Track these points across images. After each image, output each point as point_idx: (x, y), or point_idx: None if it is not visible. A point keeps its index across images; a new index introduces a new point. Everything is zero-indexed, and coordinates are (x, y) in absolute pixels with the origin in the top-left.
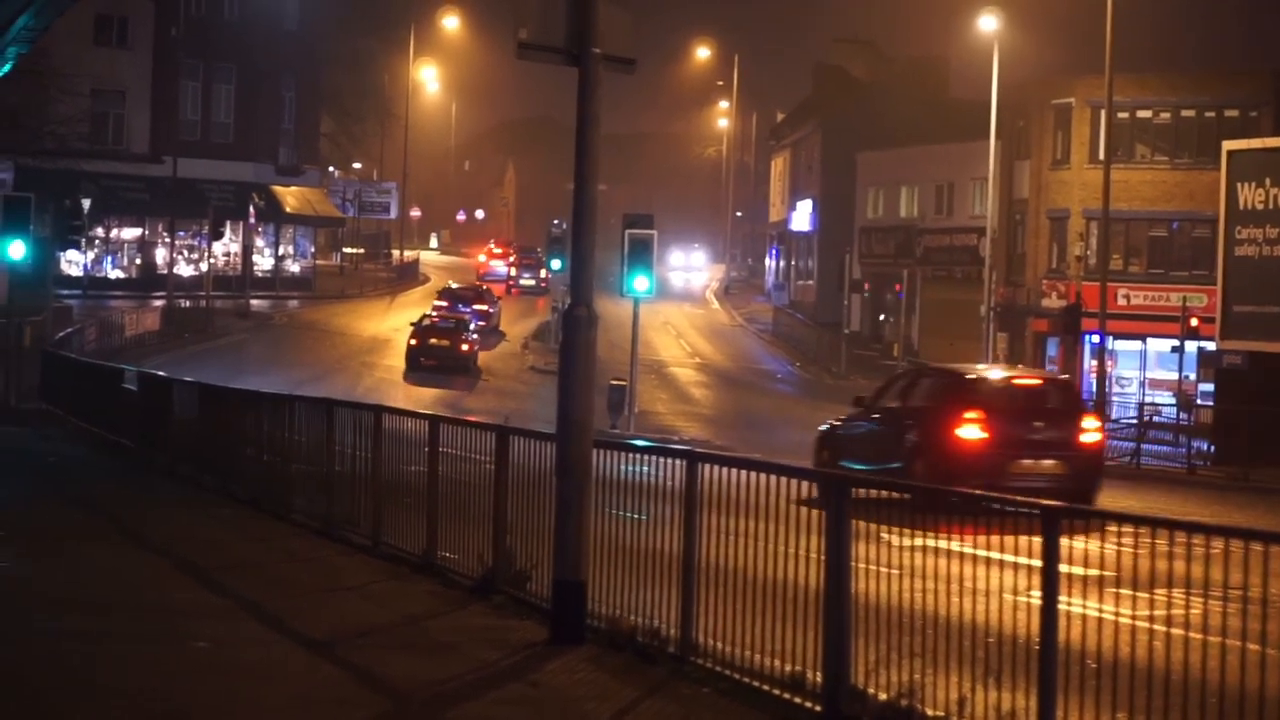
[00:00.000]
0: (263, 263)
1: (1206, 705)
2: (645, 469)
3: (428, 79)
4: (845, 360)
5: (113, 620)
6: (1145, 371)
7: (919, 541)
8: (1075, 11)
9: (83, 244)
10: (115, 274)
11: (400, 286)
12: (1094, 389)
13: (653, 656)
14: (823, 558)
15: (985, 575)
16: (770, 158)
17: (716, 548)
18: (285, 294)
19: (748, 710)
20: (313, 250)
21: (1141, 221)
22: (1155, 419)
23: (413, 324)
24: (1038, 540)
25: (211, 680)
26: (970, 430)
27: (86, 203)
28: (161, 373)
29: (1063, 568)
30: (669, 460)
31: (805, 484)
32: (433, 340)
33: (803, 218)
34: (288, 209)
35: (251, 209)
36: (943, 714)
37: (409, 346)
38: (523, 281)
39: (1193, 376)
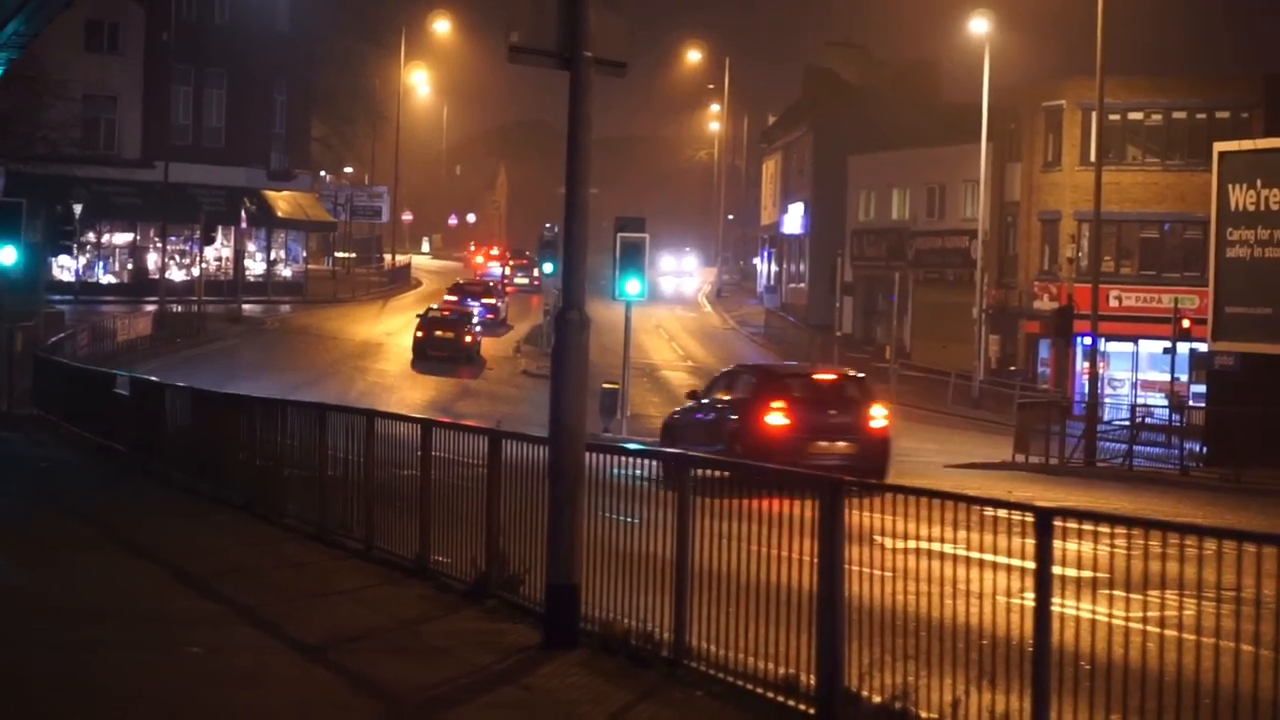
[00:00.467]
0: (254, 267)
1: (1200, 706)
2: (638, 472)
3: (419, 83)
4: (837, 362)
5: (106, 627)
6: (1137, 373)
7: (912, 544)
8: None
9: (74, 249)
10: (107, 279)
11: (392, 291)
12: (1086, 390)
13: (646, 660)
14: (816, 560)
15: (979, 577)
16: (761, 161)
17: (710, 551)
18: (277, 299)
19: (741, 714)
20: (304, 255)
21: (1133, 223)
22: (1147, 420)
23: (419, 316)
24: (1031, 542)
25: (205, 686)
26: (776, 418)
27: (78, 208)
28: (154, 378)
29: (1056, 569)
30: (662, 463)
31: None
32: (438, 332)
33: (794, 221)
34: (279, 213)
35: (243, 213)
36: (937, 716)
37: (416, 338)
38: (517, 280)
39: (1184, 378)
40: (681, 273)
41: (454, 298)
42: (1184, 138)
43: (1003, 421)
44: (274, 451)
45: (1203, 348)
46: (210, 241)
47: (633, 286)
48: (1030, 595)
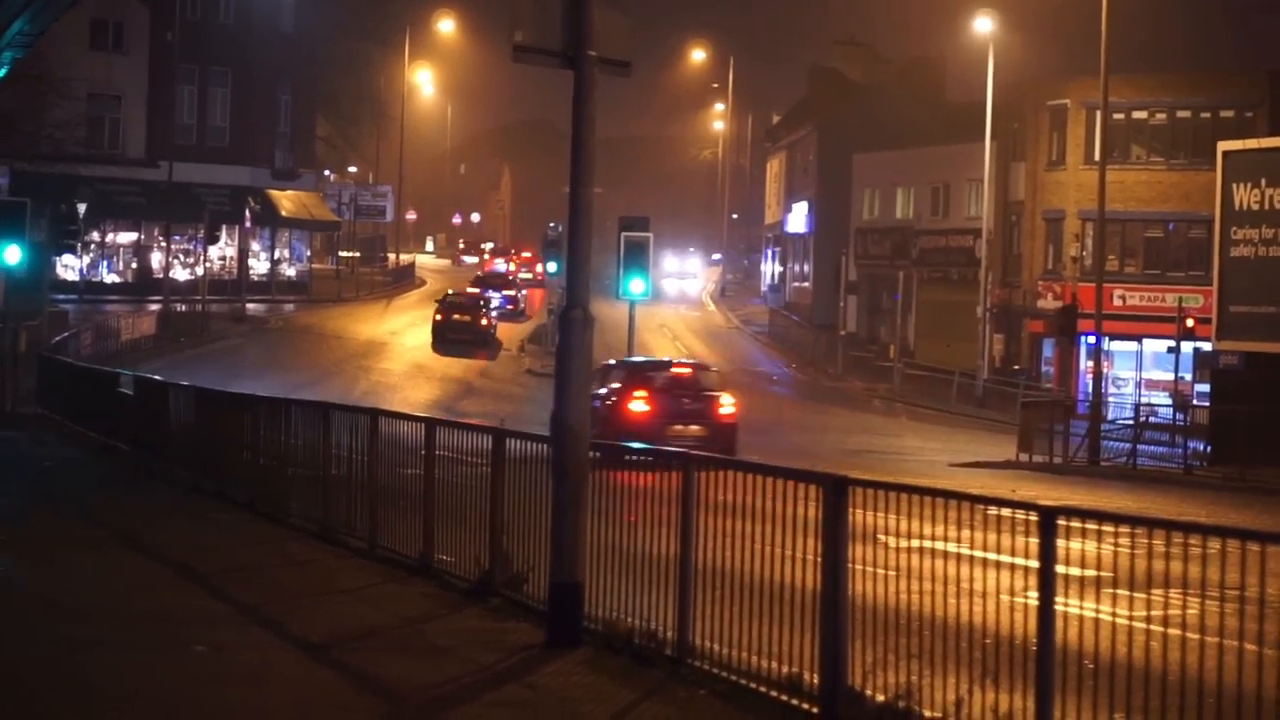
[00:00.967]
0: (258, 266)
1: (1204, 705)
2: (642, 471)
3: (423, 82)
4: (842, 362)
5: (109, 625)
6: (1141, 372)
7: (916, 543)
8: (1070, 13)
9: (79, 248)
10: (111, 278)
11: (396, 290)
12: (1090, 389)
13: (650, 659)
14: (819, 559)
15: (982, 576)
16: (766, 160)
17: (713, 550)
18: (281, 298)
19: (744, 713)
20: (308, 254)
21: (1137, 222)
22: (1151, 419)
23: (438, 301)
24: (1034, 541)
25: (209, 685)
26: (638, 405)
27: (82, 207)
28: (158, 377)
29: (1059, 568)
30: (665, 462)
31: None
32: (455, 316)
33: (798, 219)
34: (283, 213)
35: (247, 213)
36: (940, 715)
37: (435, 322)
38: (521, 275)
39: (1189, 377)
40: (685, 274)
41: (475, 290)
42: (1188, 136)
43: (1006, 420)
44: (278, 450)
45: (1207, 347)
46: (214, 241)
47: (637, 286)
48: (1034, 594)
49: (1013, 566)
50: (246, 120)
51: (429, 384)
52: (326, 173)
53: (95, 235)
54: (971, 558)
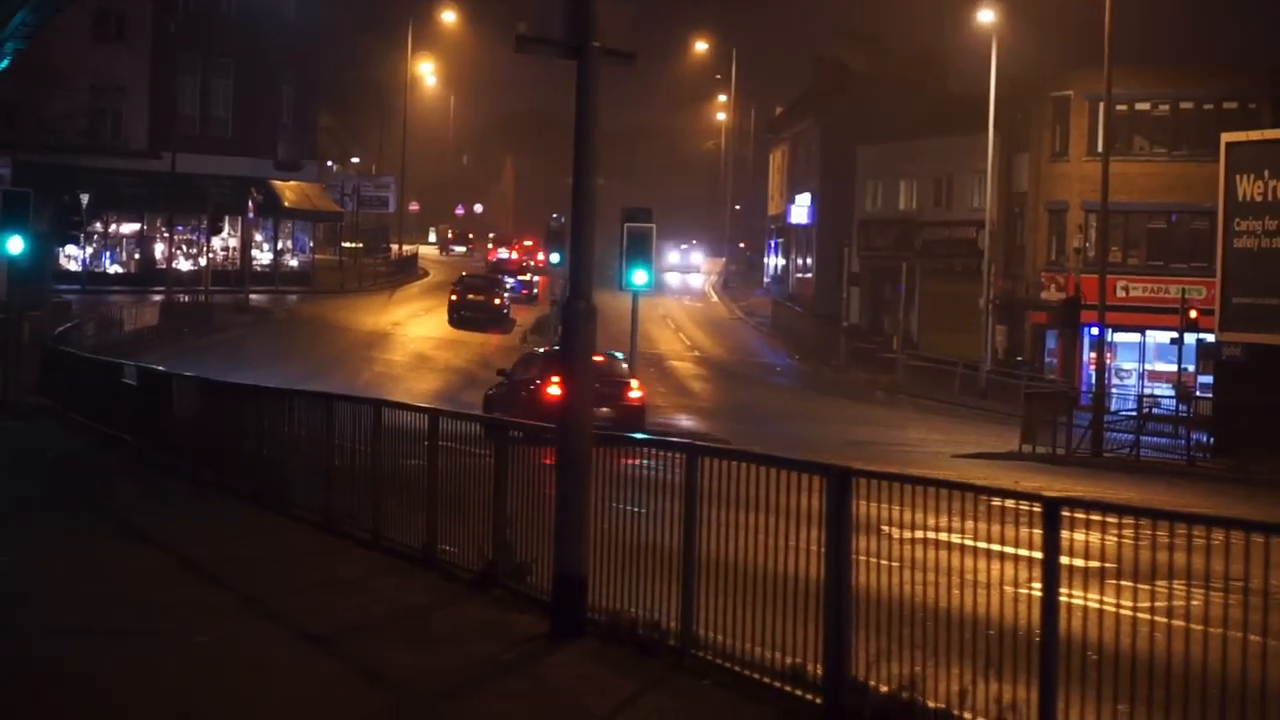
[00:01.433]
0: (261, 257)
1: (1207, 696)
2: (645, 462)
3: (426, 73)
4: (845, 353)
5: (113, 616)
6: (1144, 363)
7: (919, 534)
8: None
9: (81, 239)
10: (114, 269)
11: (399, 281)
12: (1093, 381)
13: (653, 649)
14: (823, 550)
15: (986, 567)
16: (768, 151)
17: (716, 541)
18: (284, 289)
19: (748, 703)
20: (311, 245)
21: (1140, 214)
22: (1154, 411)
23: (454, 283)
24: (1038, 532)
25: (212, 676)
26: (554, 390)
27: (85, 198)
28: (161, 367)
29: (1063, 560)
30: (669, 453)
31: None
32: (470, 296)
33: (801, 211)
34: (286, 203)
35: (250, 203)
36: (944, 706)
37: (451, 302)
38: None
39: (1192, 368)
40: (688, 268)
41: (483, 278)
42: (1191, 128)
43: (1010, 412)
44: (281, 441)
45: (1210, 338)
46: (217, 231)
47: (640, 277)
48: (1038, 585)
49: (1016, 557)
50: (249, 111)
51: (432, 375)
52: (329, 164)
53: (98, 226)
54: (975, 549)
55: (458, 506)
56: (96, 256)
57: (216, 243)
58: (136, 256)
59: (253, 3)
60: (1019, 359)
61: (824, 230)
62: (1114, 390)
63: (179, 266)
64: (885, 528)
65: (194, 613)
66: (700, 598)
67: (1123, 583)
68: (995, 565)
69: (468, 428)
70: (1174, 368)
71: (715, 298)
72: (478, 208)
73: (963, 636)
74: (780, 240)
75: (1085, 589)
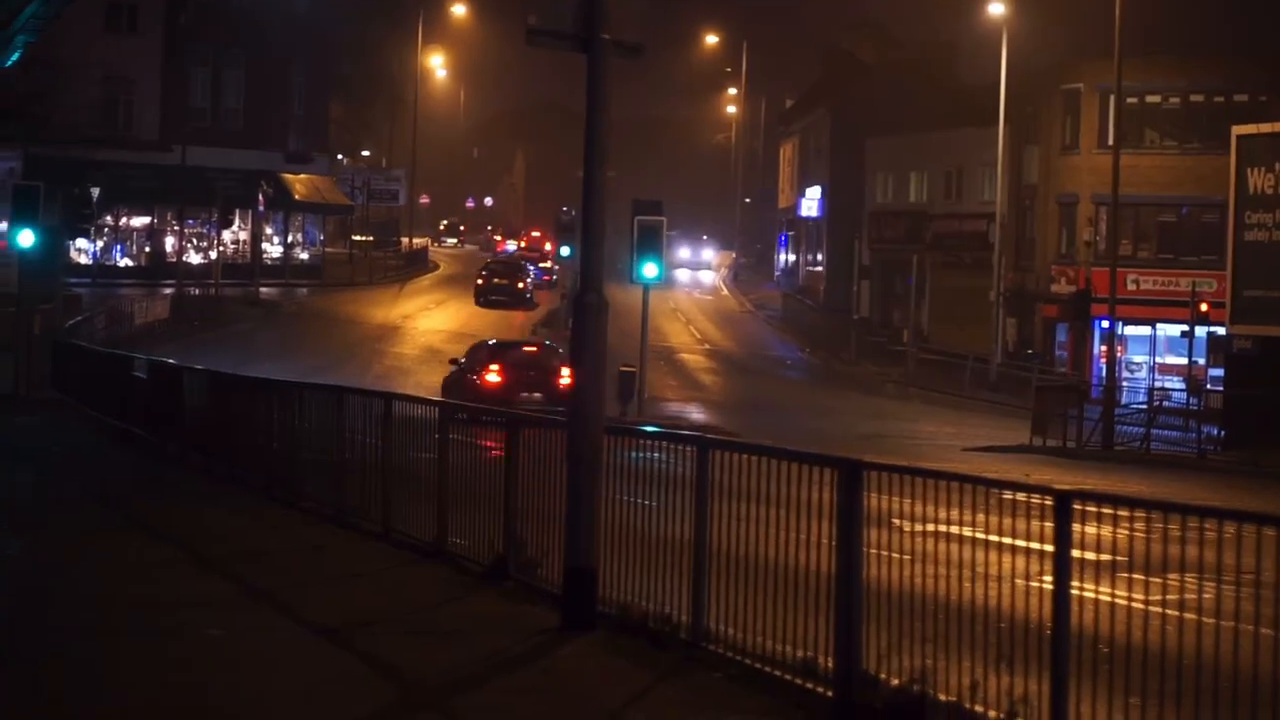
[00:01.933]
0: (272, 250)
1: (1219, 690)
2: (656, 455)
3: (436, 65)
4: (855, 346)
5: (124, 609)
6: (1155, 356)
7: (930, 527)
8: None
9: (92, 232)
10: (124, 262)
11: (409, 274)
12: (1104, 374)
13: (664, 642)
14: (834, 543)
15: (997, 560)
16: (779, 143)
17: (727, 534)
18: (294, 281)
19: (760, 696)
20: (322, 237)
21: (1151, 206)
22: (1165, 404)
23: (481, 269)
24: (1049, 525)
25: (224, 669)
26: (492, 376)
27: (96, 191)
28: (171, 360)
29: (1074, 553)
30: (680, 446)
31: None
32: (496, 279)
33: (811, 204)
34: (297, 196)
35: (261, 196)
36: (955, 699)
37: (477, 285)
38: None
39: (1202, 361)
40: (699, 264)
41: (507, 262)
42: (1202, 120)
43: (1020, 405)
44: (291, 434)
45: (1221, 331)
46: (228, 224)
47: (650, 270)
48: (1049, 578)
49: (1027, 550)
50: (260, 104)
51: (442, 368)
52: (340, 156)
53: (108, 219)
54: (986, 542)
55: (468, 499)
56: (107, 250)
57: (227, 236)
58: (147, 249)
59: None
60: (1029, 352)
61: (834, 223)
62: (1124, 383)
63: (189, 259)
64: (896, 521)
65: (205, 605)
66: (711, 591)
67: (1134, 576)
68: (1006, 558)
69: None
70: (1184, 361)
71: (725, 291)
72: (488, 200)
73: (974, 630)
74: (790, 233)
75: (1096, 582)
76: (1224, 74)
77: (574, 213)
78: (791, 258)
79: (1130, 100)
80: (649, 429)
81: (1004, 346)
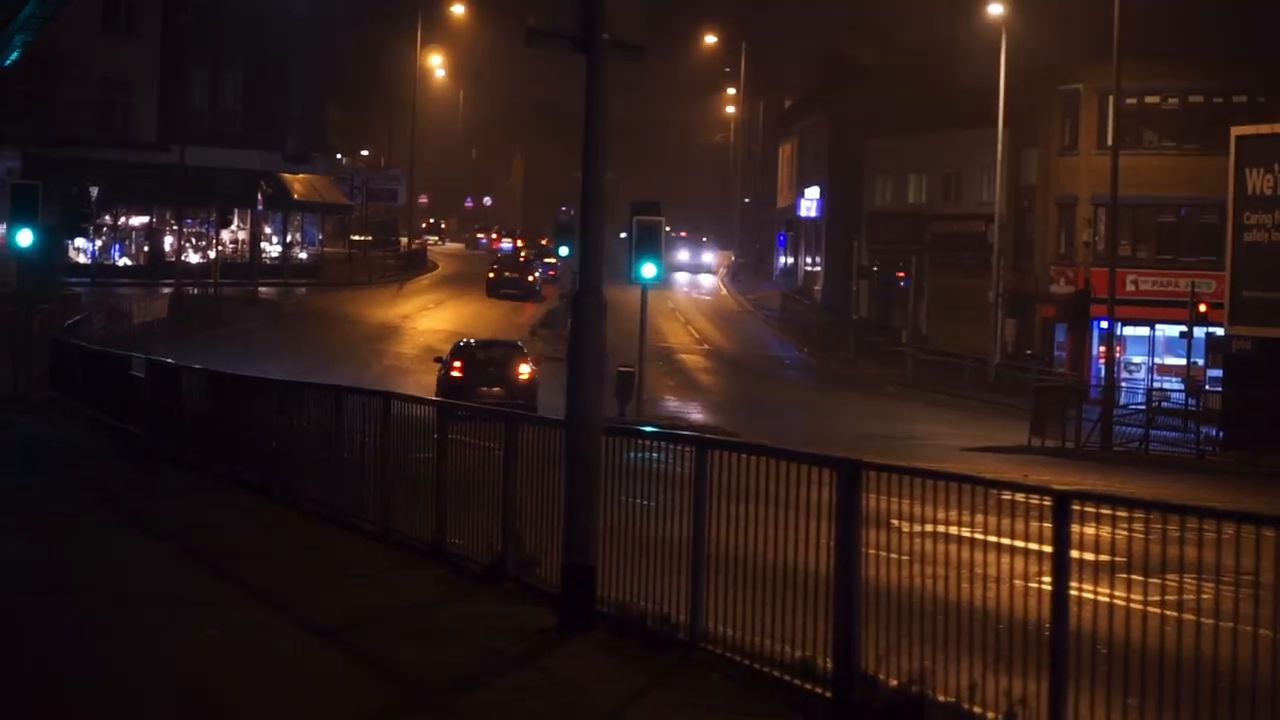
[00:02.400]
0: (270, 250)
1: (1217, 691)
2: (654, 455)
3: (435, 66)
4: (853, 346)
5: (123, 608)
6: (1154, 357)
7: (929, 528)
8: None
9: (90, 232)
10: (123, 262)
11: (408, 274)
12: (1102, 375)
13: (662, 643)
14: (833, 544)
15: (996, 561)
16: (778, 144)
17: (726, 534)
18: (293, 281)
19: (758, 697)
20: (320, 237)
21: (1150, 207)
22: (1164, 405)
23: (492, 264)
24: (1048, 526)
25: (222, 667)
26: (455, 372)
27: (94, 190)
28: (170, 360)
29: (1073, 553)
30: (678, 446)
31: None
32: (506, 274)
33: (810, 205)
34: (295, 196)
35: (259, 196)
36: (954, 700)
37: (488, 279)
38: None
39: (1201, 362)
40: (699, 267)
41: (518, 259)
42: (1201, 121)
43: (1019, 405)
44: (290, 433)
45: (1219, 332)
46: (226, 224)
47: (649, 270)
48: (1047, 579)
49: (1026, 551)
50: (259, 104)
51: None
52: (338, 156)
53: (107, 219)
54: (985, 542)
55: (467, 499)
56: (105, 249)
57: (226, 235)
58: (146, 249)
59: None
60: (1028, 352)
61: (833, 224)
62: (1123, 384)
63: (188, 259)
64: (895, 521)
65: (204, 604)
66: (710, 591)
67: (1133, 577)
68: (1005, 559)
69: (479, 422)
70: (1183, 361)
71: (724, 290)
72: (486, 200)
73: (972, 630)
74: (789, 234)
75: (1095, 583)
76: (1223, 75)
77: (572, 213)
78: (790, 258)
79: (1129, 101)
80: (648, 429)
81: (1003, 347)
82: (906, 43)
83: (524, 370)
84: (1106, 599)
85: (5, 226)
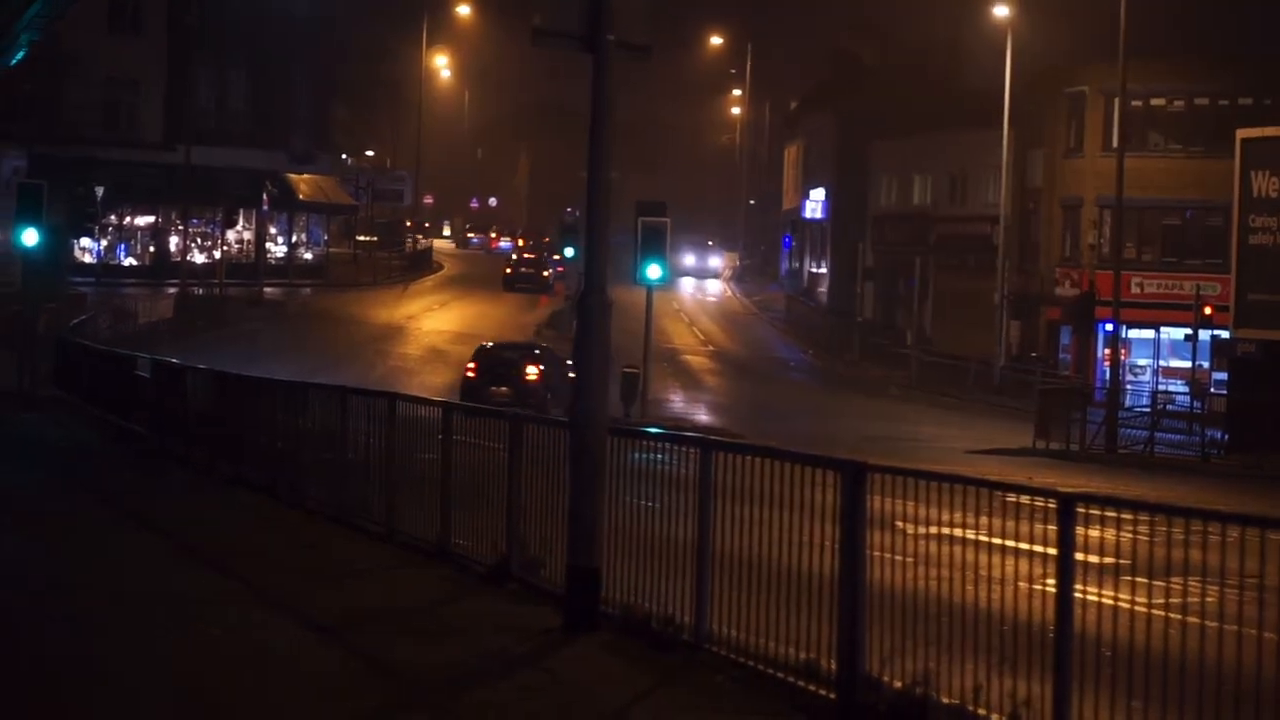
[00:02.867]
0: (276, 250)
1: (1221, 693)
2: (659, 456)
3: (441, 66)
4: (858, 348)
5: (127, 607)
6: (1158, 360)
7: (934, 530)
8: None
9: (96, 231)
10: (128, 261)
11: (413, 274)
12: (1107, 377)
13: (667, 644)
14: (837, 545)
15: (1000, 563)
16: (783, 145)
17: (731, 535)
18: (298, 281)
19: (762, 698)
20: (326, 238)
21: (1155, 209)
22: (1168, 407)
23: (511, 258)
24: (1053, 528)
25: (225, 666)
26: (469, 373)
27: (100, 190)
28: (175, 359)
29: (1078, 556)
30: (683, 448)
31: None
32: (521, 269)
33: (816, 206)
34: (301, 196)
35: (265, 196)
36: (958, 702)
37: (504, 274)
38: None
39: (1206, 365)
40: (705, 271)
41: (532, 255)
42: (1207, 124)
43: (1024, 408)
44: (295, 434)
45: (1224, 335)
46: (232, 224)
47: (654, 271)
48: (1052, 581)
49: (1031, 553)
50: (264, 103)
51: (446, 369)
52: (344, 157)
53: (113, 218)
54: (989, 544)
55: (472, 500)
56: (111, 249)
57: (231, 235)
58: (151, 249)
59: None
60: (1033, 355)
61: (838, 225)
62: (1128, 386)
63: (193, 259)
64: (900, 523)
65: (207, 603)
66: (714, 592)
67: (1137, 579)
68: (1009, 561)
69: (484, 423)
70: (1188, 364)
71: (729, 292)
72: (492, 201)
73: (977, 632)
74: (794, 235)
75: (1100, 585)
76: (1228, 77)
77: (578, 214)
78: (795, 260)
79: (1135, 103)
80: (652, 430)
81: (1007, 349)
82: (906, 43)
83: (531, 371)
84: (1111, 601)
85: (11, 226)
